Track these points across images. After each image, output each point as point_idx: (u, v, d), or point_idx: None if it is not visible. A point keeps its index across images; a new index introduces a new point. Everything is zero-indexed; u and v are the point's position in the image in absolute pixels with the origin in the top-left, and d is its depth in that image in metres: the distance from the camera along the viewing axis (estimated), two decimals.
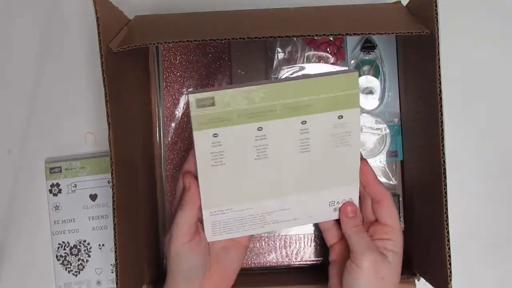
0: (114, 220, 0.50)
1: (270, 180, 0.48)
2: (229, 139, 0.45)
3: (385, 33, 0.49)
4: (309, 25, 0.54)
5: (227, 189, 0.48)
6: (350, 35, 0.50)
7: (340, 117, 0.47)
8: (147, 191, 0.64)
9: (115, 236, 0.50)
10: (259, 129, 0.45)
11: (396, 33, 0.50)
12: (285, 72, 0.65)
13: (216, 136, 0.45)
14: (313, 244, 0.66)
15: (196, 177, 0.48)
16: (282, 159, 0.47)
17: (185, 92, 0.44)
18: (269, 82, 0.45)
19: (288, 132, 0.46)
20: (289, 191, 0.49)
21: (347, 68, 0.48)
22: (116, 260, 0.50)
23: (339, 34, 0.49)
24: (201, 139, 0.45)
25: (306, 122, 0.46)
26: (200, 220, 0.50)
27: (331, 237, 0.54)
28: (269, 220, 0.50)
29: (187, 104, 0.44)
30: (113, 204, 0.50)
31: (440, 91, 0.49)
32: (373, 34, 0.51)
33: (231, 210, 0.49)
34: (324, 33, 0.49)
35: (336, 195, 0.51)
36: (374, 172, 0.51)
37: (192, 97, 0.43)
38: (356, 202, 0.52)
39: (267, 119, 0.45)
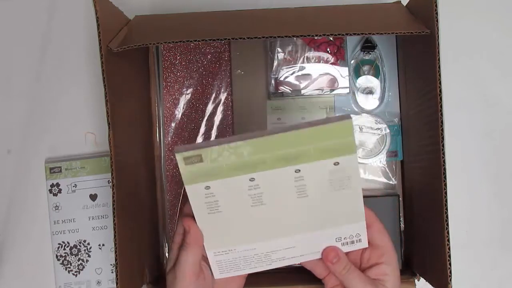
0: (114, 220, 0.50)
1: (271, 223, 0.47)
2: (222, 190, 0.45)
3: (385, 33, 0.49)
4: (309, 25, 0.54)
5: (227, 233, 0.48)
6: (350, 35, 0.49)
7: (336, 163, 0.44)
8: (147, 191, 0.64)
9: (115, 236, 0.50)
10: (251, 179, 0.44)
11: (396, 33, 0.50)
12: (285, 72, 0.65)
13: (208, 188, 0.45)
14: None
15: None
16: (280, 205, 0.46)
17: (174, 150, 0.43)
18: (256, 135, 0.43)
19: (281, 181, 0.45)
20: (292, 232, 0.48)
21: (340, 115, 0.44)
22: (116, 260, 0.50)
23: (339, 34, 0.49)
24: (194, 193, 0.45)
25: (299, 170, 0.44)
26: (205, 259, 0.50)
27: (321, 272, 0.52)
28: (275, 258, 0.49)
29: (177, 161, 0.44)
30: (113, 204, 0.50)
31: (440, 91, 0.49)
32: (373, 34, 0.50)
33: (235, 250, 0.49)
34: (324, 33, 0.49)
35: (343, 232, 0.49)
36: None
37: (179, 156, 0.43)
38: (364, 236, 0.50)
39: (258, 170, 0.44)
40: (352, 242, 0.50)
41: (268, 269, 0.50)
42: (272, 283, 0.59)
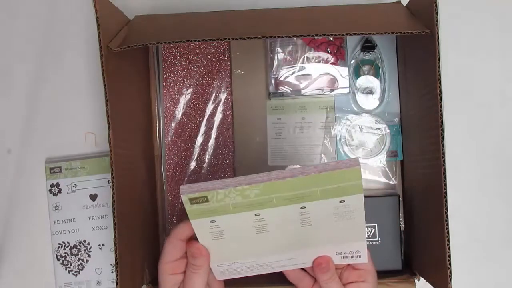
0: (114, 220, 0.50)
1: (274, 244, 0.48)
2: (227, 223, 0.45)
3: (385, 33, 0.49)
4: (309, 25, 0.54)
5: (230, 255, 0.49)
6: (350, 35, 0.49)
7: (342, 201, 0.45)
8: (147, 191, 0.64)
9: (115, 236, 0.50)
10: (257, 214, 0.45)
11: (396, 33, 0.50)
12: (285, 72, 0.65)
13: (213, 222, 0.45)
14: None
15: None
16: (283, 232, 0.47)
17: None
18: (264, 179, 0.43)
19: (287, 216, 0.46)
20: (294, 248, 0.49)
21: (348, 159, 0.44)
22: (116, 260, 0.50)
23: (339, 34, 0.49)
24: (199, 225, 0.46)
25: (305, 207, 0.45)
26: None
27: (306, 285, 0.53)
28: (276, 266, 0.50)
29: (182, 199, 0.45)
30: (113, 204, 0.50)
31: (440, 91, 0.49)
32: (373, 34, 0.50)
33: (237, 262, 0.50)
34: (324, 33, 0.49)
35: (344, 248, 0.50)
36: None
37: (185, 197, 0.43)
38: (364, 254, 0.50)
39: (264, 208, 0.44)
40: (352, 257, 0.51)
41: (268, 272, 0.51)
42: (272, 283, 0.58)
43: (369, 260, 0.51)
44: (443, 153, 0.49)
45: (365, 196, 0.66)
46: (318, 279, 0.51)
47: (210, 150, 0.67)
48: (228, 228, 0.46)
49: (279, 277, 0.60)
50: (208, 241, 0.47)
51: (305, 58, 0.65)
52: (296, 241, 0.48)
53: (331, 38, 0.65)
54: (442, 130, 0.49)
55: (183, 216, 0.66)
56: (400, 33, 0.50)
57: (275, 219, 0.46)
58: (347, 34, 0.49)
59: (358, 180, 0.43)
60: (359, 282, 0.51)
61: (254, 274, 0.51)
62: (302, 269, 0.52)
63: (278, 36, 0.49)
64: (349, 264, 0.52)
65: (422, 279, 0.60)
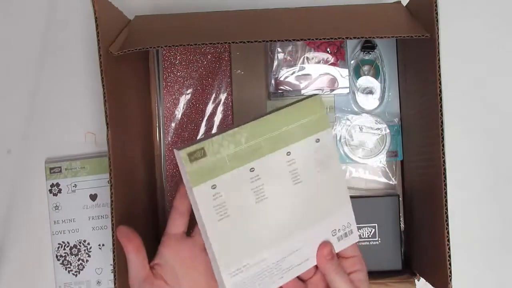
0: (113, 220, 0.50)
1: (274, 221, 0.48)
2: (227, 187, 0.45)
3: (386, 36, 0.50)
4: (309, 27, 0.55)
5: (238, 242, 0.47)
6: (351, 38, 0.50)
7: (317, 140, 0.48)
8: (147, 191, 0.64)
9: (114, 236, 0.50)
10: (252, 170, 0.46)
11: (396, 37, 0.50)
12: (285, 72, 0.65)
13: (214, 188, 0.45)
14: None
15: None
16: (280, 195, 0.48)
17: (175, 149, 0.44)
18: (248, 121, 0.46)
19: (277, 167, 0.47)
20: (294, 229, 0.49)
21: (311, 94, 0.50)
22: (114, 260, 0.50)
23: (339, 38, 0.49)
24: (202, 194, 0.45)
25: (290, 153, 0.47)
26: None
27: (308, 275, 0.52)
28: (284, 267, 0.49)
29: (179, 161, 0.44)
30: (113, 204, 0.50)
31: (440, 91, 0.49)
32: (373, 38, 0.51)
33: (248, 265, 0.48)
34: (324, 37, 0.49)
35: (336, 222, 0.50)
36: None
37: (183, 152, 0.43)
38: (353, 223, 0.51)
39: (255, 158, 0.46)
40: (346, 235, 0.51)
41: (280, 284, 0.50)
42: None
43: (357, 248, 0.51)
44: (443, 153, 0.49)
45: (365, 196, 0.67)
46: (325, 272, 0.50)
47: None
48: (228, 195, 0.45)
49: None
50: (215, 225, 0.46)
51: (305, 58, 0.65)
52: (294, 214, 0.48)
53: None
54: (442, 130, 0.49)
55: None
56: (400, 37, 0.50)
57: (268, 175, 0.47)
58: (347, 37, 0.49)
59: (322, 111, 0.48)
60: (354, 272, 0.50)
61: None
62: (299, 279, 0.51)
63: (278, 40, 0.50)
64: (338, 256, 0.51)
65: (422, 279, 0.60)
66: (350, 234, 0.51)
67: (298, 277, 0.51)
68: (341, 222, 0.51)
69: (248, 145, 0.46)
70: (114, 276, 0.50)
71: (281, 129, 0.47)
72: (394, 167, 0.67)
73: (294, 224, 0.49)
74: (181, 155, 0.43)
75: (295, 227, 0.49)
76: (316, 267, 0.51)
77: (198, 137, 0.67)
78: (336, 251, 0.50)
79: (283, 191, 0.48)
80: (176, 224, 0.50)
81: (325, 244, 0.50)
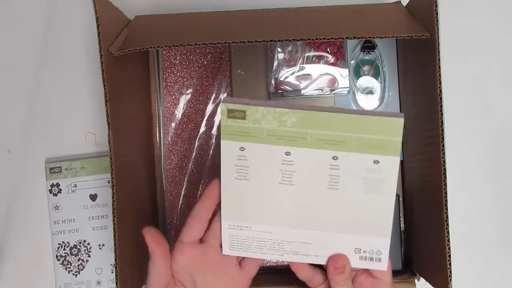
0: (114, 220, 0.50)
1: (293, 208, 0.46)
2: (255, 156, 0.44)
3: (385, 37, 0.50)
4: (309, 27, 0.55)
5: (248, 205, 0.46)
6: (351, 38, 0.50)
7: (376, 162, 0.44)
8: (147, 191, 0.64)
9: (115, 236, 0.50)
10: (287, 153, 0.44)
11: (396, 37, 0.50)
12: (285, 72, 0.65)
13: (242, 150, 0.44)
14: None
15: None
16: (308, 190, 0.45)
17: (218, 100, 0.43)
18: (305, 107, 0.43)
19: (317, 164, 0.44)
20: (312, 226, 0.47)
21: (390, 111, 0.44)
22: (116, 260, 0.50)
23: (339, 38, 0.49)
24: (228, 149, 0.44)
25: (337, 158, 0.44)
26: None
27: (315, 284, 0.51)
28: (288, 250, 0.48)
29: (220, 112, 0.43)
30: (113, 204, 0.50)
31: (440, 91, 0.49)
32: (373, 38, 0.51)
33: (250, 228, 0.47)
34: (324, 37, 0.49)
35: (364, 243, 0.48)
36: None
37: (224, 106, 0.42)
38: (386, 255, 0.48)
39: (296, 145, 0.43)
40: (371, 259, 0.48)
41: (278, 259, 0.49)
42: (272, 283, 0.59)
43: (388, 269, 0.49)
44: (443, 153, 0.49)
45: None
46: (331, 279, 0.49)
47: (210, 150, 0.67)
48: (254, 162, 0.44)
49: (279, 277, 0.60)
50: (230, 180, 0.45)
51: (305, 58, 0.65)
52: (318, 213, 0.46)
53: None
54: (442, 130, 0.49)
55: (184, 217, 0.66)
56: (400, 37, 0.50)
57: (304, 166, 0.44)
58: (347, 38, 0.49)
59: (398, 136, 0.42)
60: None
61: (262, 257, 0.49)
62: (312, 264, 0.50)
63: (278, 40, 0.49)
64: (367, 270, 0.50)
65: (422, 279, 0.60)
66: (376, 261, 0.48)
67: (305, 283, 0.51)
68: (370, 247, 0.48)
69: (293, 130, 0.43)
70: (116, 276, 0.50)
71: (338, 132, 0.43)
72: None
73: (314, 221, 0.47)
74: (222, 107, 0.42)
75: (314, 225, 0.47)
76: (325, 275, 0.50)
77: (197, 137, 0.67)
78: (353, 266, 0.49)
79: (313, 188, 0.45)
80: (192, 233, 0.49)
81: (342, 257, 0.48)
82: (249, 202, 0.46)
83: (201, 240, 0.50)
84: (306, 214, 0.47)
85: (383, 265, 0.48)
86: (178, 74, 0.67)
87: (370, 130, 0.43)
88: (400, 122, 0.42)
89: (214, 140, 0.67)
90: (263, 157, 0.44)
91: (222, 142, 0.44)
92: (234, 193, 0.46)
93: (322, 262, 0.49)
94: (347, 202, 0.46)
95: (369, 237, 0.47)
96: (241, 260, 0.52)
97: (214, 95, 0.67)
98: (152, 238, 0.48)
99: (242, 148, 0.44)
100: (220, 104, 0.42)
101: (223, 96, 0.67)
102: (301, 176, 0.45)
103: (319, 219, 0.47)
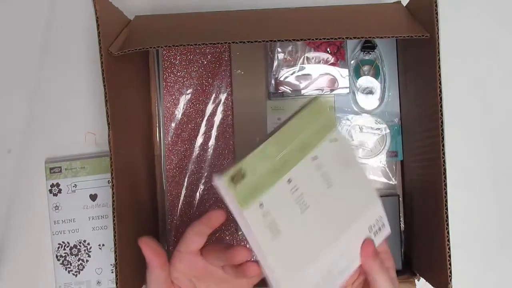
0: (114, 220, 0.50)
1: (320, 228, 0.47)
2: (273, 204, 0.44)
3: (385, 37, 0.50)
4: (309, 27, 0.55)
5: (294, 256, 0.46)
6: (351, 38, 0.50)
7: (333, 140, 0.48)
8: (147, 191, 0.64)
9: (115, 236, 0.50)
10: (289, 181, 0.45)
11: (396, 37, 0.50)
12: (285, 72, 0.65)
13: (262, 207, 0.44)
14: None
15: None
16: (319, 202, 0.47)
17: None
18: (271, 134, 0.45)
19: (309, 174, 0.46)
20: (338, 233, 0.48)
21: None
22: (116, 260, 0.50)
23: (339, 38, 0.49)
24: (253, 216, 0.44)
25: (316, 157, 0.46)
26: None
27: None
28: (336, 272, 0.48)
29: (222, 188, 0.43)
30: (113, 204, 0.50)
31: (440, 91, 0.49)
32: (373, 38, 0.51)
33: (306, 276, 0.46)
34: (324, 37, 0.49)
35: (370, 218, 0.50)
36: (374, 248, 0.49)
37: (226, 178, 0.42)
38: (384, 215, 0.50)
39: (289, 169, 0.45)
40: (380, 229, 0.50)
41: None
42: None
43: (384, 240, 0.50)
44: (443, 153, 0.49)
45: None
46: (370, 271, 0.48)
47: (210, 150, 0.67)
48: (276, 210, 0.44)
49: None
50: (270, 244, 0.44)
51: (305, 58, 0.65)
52: (335, 220, 0.47)
53: None
54: (442, 130, 0.49)
55: (183, 217, 0.67)
56: (400, 37, 0.50)
57: (304, 183, 0.46)
58: (347, 38, 0.49)
59: (327, 111, 0.48)
60: (387, 269, 0.49)
61: None
62: None
63: (278, 40, 0.50)
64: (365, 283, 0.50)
65: (422, 279, 0.60)
66: (383, 228, 0.50)
67: None
68: (374, 217, 0.50)
69: (280, 157, 0.45)
70: (116, 276, 0.50)
71: (300, 136, 0.46)
72: (394, 167, 0.67)
73: (337, 227, 0.48)
74: (223, 182, 0.42)
75: (338, 230, 0.48)
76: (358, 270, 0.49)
77: (197, 137, 0.67)
78: (377, 245, 0.49)
79: (320, 196, 0.47)
80: (191, 245, 0.49)
81: (368, 242, 0.48)
82: (293, 252, 0.46)
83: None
84: (329, 224, 0.47)
85: (387, 228, 0.50)
86: (178, 74, 0.67)
87: (311, 120, 0.47)
88: (318, 100, 0.47)
89: (214, 140, 0.67)
90: (278, 199, 0.45)
91: (245, 214, 0.43)
92: (278, 253, 0.45)
93: (358, 263, 0.49)
94: (344, 191, 0.48)
95: (370, 210, 0.49)
96: None
97: (214, 95, 0.67)
98: (149, 248, 0.48)
99: (261, 204, 0.44)
100: (219, 182, 0.42)
101: (223, 96, 0.67)
102: (308, 194, 0.46)
103: (338, 221, 0.48)
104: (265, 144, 0.44)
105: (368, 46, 0.65)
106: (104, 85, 0.50)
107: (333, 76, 0.65)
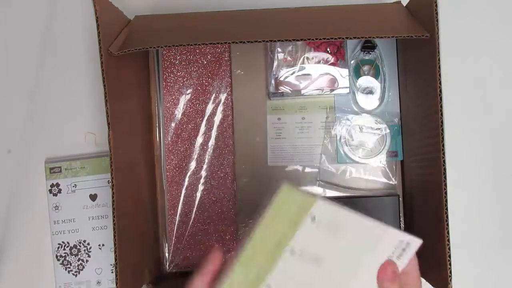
0: (114, 220, 0.50)
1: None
2: None
3: (385, 36, 0.50)
4: (309, 27, 0.55)
5: None
6: (351, 38, 0.50)
7: (313, 218, 0.45)
8: (147, 191, 0.64)
9: (115, 236, 0.51)
10: (268, 287, 0.44)
11: (396, 37, 0.50)
12: (285, 72, 0.65)
13: None
14: None
15: None
16: (312, 283, 0.45)
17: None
18: (246, 243, 0.44)
19: (291, 268, 0.44)
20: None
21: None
22: (116, 260, 0.50)
23: (339, 38, 0.49)
24: None
25: (293, 248, 0.44)
26: None
27: None
28: None
29: None
30: (113, 204, 0.50)
31: (440, 91, 0.49)
32: (373, 38, 0.51)
33: None
34: (324, 37, 0.50)
35: (384, 250, 0.45)
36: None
37: None
38: (404, 235, 0.45)
39: (267, 274, 0.44)
40: (404, 249, 0.46)
41: None
42: None
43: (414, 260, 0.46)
44: (443, 153, 0.49)
45: (365, 196, 0.67)
46: None
47: (210, 150, 0.67)
48: None
49: None
50: None
51: (305, 58, 0.65)
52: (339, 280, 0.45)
53: None
54: (442, 130, 0.49)
55: (183, 217, 0.66)
56: (400, 37, 0.50)
57: (288, 278, 0.44)
58: (347, 37, 0.49)
59: (296, 194, 0.45)
60: None
61: None
62: None
63: (278, 40, 0.49)
64: None
65: (422, 279, 0.60)
66: (408, 247, 0.46)
67: None
68: (390, 246, 0.45)
69: (257, 267, 0.44)
70: (116, 276, 0.50)
71: (276, 233, 0.44)
72: (394, 167, 0.67)
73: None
74: None
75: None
76: None
77: (197, 137, 0.67)
78: (400, 269, 0.45)
79: (311, 278, 0.45)
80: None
81: (386, 264, 0.44)
82: None
83: None
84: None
85: (414, 244, 0.46)
86: (178, 74, 0.67)
87: (282, 210, 0.45)
88: (284, 188, 0.45)
89: (214, 140, 0.67)
90: None
91: None
92: None
93: None
94: (339, 256, 0.45)
95: (381, 246, 0.45)
96: None
97: (214, 95, 0.67)
98: (212, 263, 0.46)
99: None
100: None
101: (223, 96, 0.67)
102: (297, 285, 0.45)
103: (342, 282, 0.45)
104: (243, 256, 0.44)
105: (368, 46, 0.65)
106: (104, 85, 0.50)
107: (333, 76, 0.65)
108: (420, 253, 0.60)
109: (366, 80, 0.66)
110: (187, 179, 0.67)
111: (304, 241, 0.45)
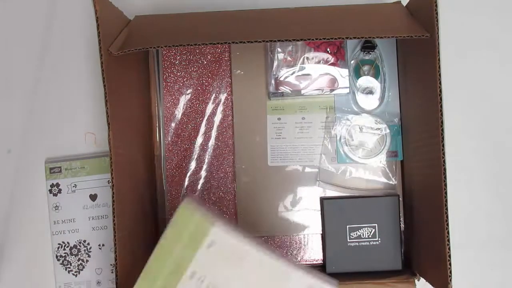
0: (114, 220, 0.50)
1: None
2: None
3: (385, 36, 0.50)
4: (309, 27, 0.55)
5: None
6: (351, 38, 0.50)
7: (211, 243, 0.45)
8: (147, 191, 0.64)
9: (115, 236, 0.51)
10: None
11: (396, 37, 0.50)
12: (285, 72, 0.65)
13: None
14: (313, 244, 0.66)
15: None
16: None
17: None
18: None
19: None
20: None
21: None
22: (116, 260, 0.50)
23: (339, 38, 0.49)
24: None
25: (195, 271, 0.45)
26: None
27: None
28: None
29: None
30: (113, 204, 0.50)
31: (440, 91, 0.49)
32: (373, 38, 0.51)
33: None
34: (324, 37, 0.50)
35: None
36: None
37: None
38: (317, 283, 0.45)
39: None
40: None
41: None
42: None
43: None
44: (443, 153, 0.49)
45: (365, 196, 0.67)
46: None
47: (210, 150, 0.67)
48: None
49: None
50: None
51: (305, 58, 0.65)
52: None
53: None
54: (442, 130, 0.49)
55: None
56: (400, 36, 0.50)
57: None
58: (347, 38, 0.49)
59: (194, 216, 0.44)
60: None
61: None
62: None
63: (278, 40, 0.49)
64: None
65: (422, 279, 0.60)
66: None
67: None
68: None
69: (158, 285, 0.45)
70: (116, 276, 0.50)
71: (171, 257, 0.44)
72: (394, 167, 0.67)
73: None
74: None
75: None
76: None
77: (197, 137, 0.67)
78: None
79: None
80: None
81: None
82: None
83: None
84: None
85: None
86: (178, 74, 0.67)
87: (181, 232, 0.45)
88: (181, 207, 0.45)
89: (214, 140, 0.67)
90: None
91: None
92: None
93: None
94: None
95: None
96: None
97: (214, 95, 0.67)
98: None
99: None
100: None
101: (223, 96, 0.67)
102: None
103: None
104: (141, 276, 0.44)
105: (368, 46, 0.65)
106: (104, 85, 0.50)
107: (333, 76, 0.65)
108: (420, 253, 0.60)
109: (366, 80, 0.66)
110: (187, 179, 0.67)
111: (202, 265, 0.45)
